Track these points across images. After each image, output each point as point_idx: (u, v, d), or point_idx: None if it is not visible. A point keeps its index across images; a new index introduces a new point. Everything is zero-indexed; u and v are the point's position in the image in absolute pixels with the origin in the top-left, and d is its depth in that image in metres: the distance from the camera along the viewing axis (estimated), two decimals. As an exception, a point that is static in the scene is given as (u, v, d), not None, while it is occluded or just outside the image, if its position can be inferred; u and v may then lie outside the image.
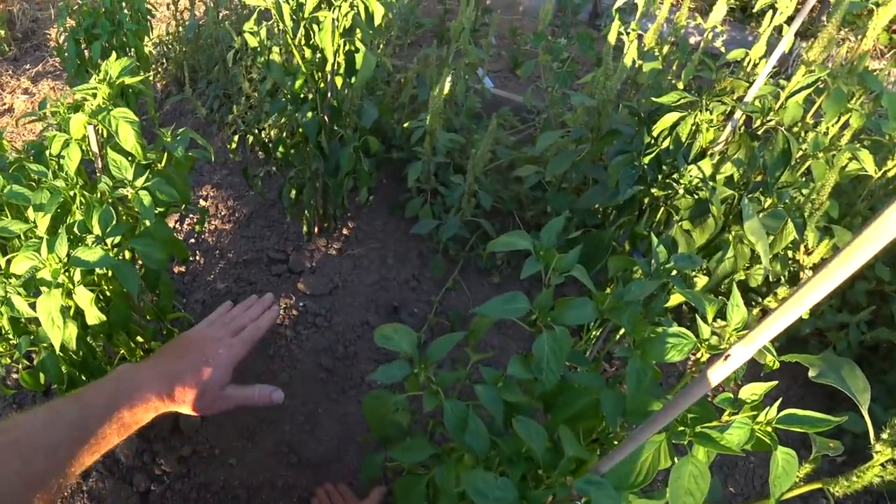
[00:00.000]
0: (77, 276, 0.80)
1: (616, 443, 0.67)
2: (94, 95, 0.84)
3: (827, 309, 1.37)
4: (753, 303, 1.32)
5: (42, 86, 1.99)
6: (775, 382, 0.58)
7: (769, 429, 0.56)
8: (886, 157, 1.36)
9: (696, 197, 1.03)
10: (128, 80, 0.85)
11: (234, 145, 1.56)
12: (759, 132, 1.15)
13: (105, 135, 0.87)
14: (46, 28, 2.24)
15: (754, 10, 1.65)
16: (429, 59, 1.58)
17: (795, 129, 1.29)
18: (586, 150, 1.33)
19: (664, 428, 0.54)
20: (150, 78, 1.90)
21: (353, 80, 1.17)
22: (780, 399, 0.58)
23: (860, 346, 1.34)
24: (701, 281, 1.13)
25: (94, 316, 0.82)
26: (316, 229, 1.50)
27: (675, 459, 0.59)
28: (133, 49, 1.52)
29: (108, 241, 0.80)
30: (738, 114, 1.07)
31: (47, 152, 0.88)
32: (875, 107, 1.35)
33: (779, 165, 1.00)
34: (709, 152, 1.09)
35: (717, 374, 0.37)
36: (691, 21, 2.04)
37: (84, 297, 0.81)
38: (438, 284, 1.46)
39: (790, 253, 1.36)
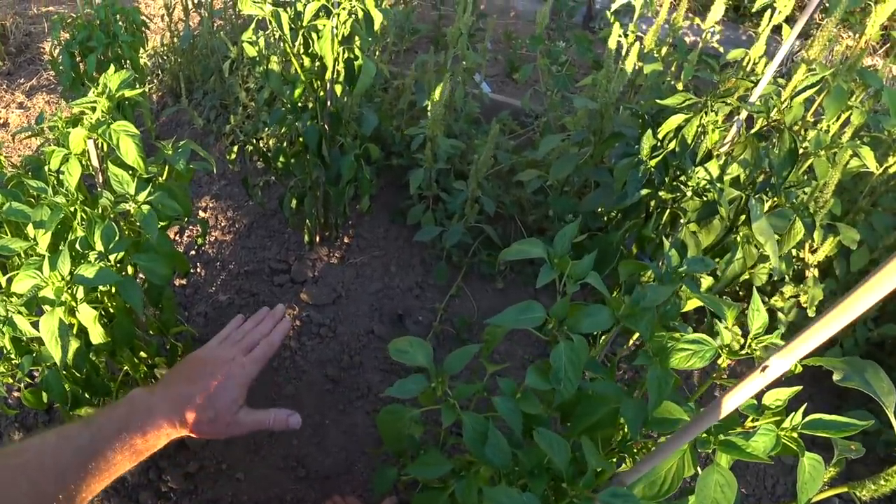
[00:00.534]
0: (80, 294, 0.79)
1: (636, 451, 0.66)
2: (93, 109, 0.83)
3: (828, 307, 1.37)
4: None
5: (37, 100, 1.98)
6: (799, 388, 0.57)
7: (795, 434, 0.55)
8: (887, 153, 1.36)
9: (704, 199, 1.03)
10: (127, 93, 0.84)
11: (233, 156, 1.54)
12: (762, 132, 1.14)
13: (105, 149, 0.86)
14: (40, 42, 2.22)
15: (753, 10, 1.65)
16: (426, 65, 1.57)
17: (796, 128, 1.29)
18: (589, 154, 1.32)
19: (688, 436, 0.53)
20: (146, 90, 1.89)
21: (352, 87, 1.16)
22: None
23: (867, 342, 1.34)
24: (706, 283, 1.12)
25: (98, 334, 0.81)
26: (317, 238, 1.49)
27: (699, 468, 0.58)
28: (129, 61, 1.50)
29: (111, 257, 0.78)
30: (743, 114, 1.06)
31: (46, 168, 0.87)
32: (874, 103, 1.35)
33: (785, 165, 0.99)
34: (715, 153, 1.08)
35: (754, 385, 0.36)
36: (687, 21, 2.04)
37: (88, 315, 0.79)
38: (442, 291, 1.45)
39: (794, 251, 1.35)
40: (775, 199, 1.13)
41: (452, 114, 1.59)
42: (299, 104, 1.20)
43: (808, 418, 0.56)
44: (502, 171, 1.53)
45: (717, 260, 1.16)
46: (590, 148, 1.33)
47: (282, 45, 1.13)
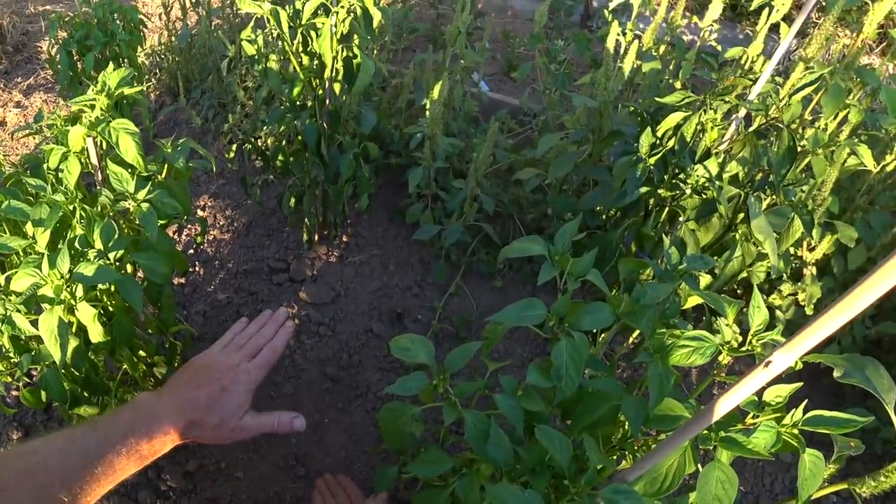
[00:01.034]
0: (79, 293, 0.78)
1: (637, 448, 0.66)
2: (92, 107, 0.82)
3: (830, 304, 1.37)
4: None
5: (34, 98, 1.97)
6: (800, 384, 0.57)
7: (795, 431, 0.56)
8: (884, 151, 1.36)
9: (703, 196, 1.03)
10: (127, 91, 0.84)
11: (231, 154, 1.54)
12: (761, 130, 1.15)
13: (105, 147, 0.86)
14: (37, 40, 2.22)
15: (751, 9, 1.65)
16: (425, 63, 1.57)
17: (794, 126, 1.30)
18: (588, 152, 1.32)
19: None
20: (144, 88, 1.88)
21: (351, 86, 1.16)
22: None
23: (864, 340, 1.34)
24: (704, 281, 1.12)
25: (97, 332, 0.81)
26: (316, 237, 1.49)
27: (699, 464, 0.58)
28: (127, 60, 1.50)
29: (111, 255, 0.78)
30: (741, 112, 1.07)
31: (45, 166, 0.87)
32: (871, 102, 1.35)
33: (784, 163, 1.00)
34: (713, 151, 1.09)
35: (757, 381, 0.37)
36: (685, 20, 2.05)
37: (87, 314, 0.79)
38: (441, 290, 1.45)
39: (792, 249, 1.36)
40: (774, 196, 1.13)
41: (451, 112, 1.58)
42: (298, 103, 1.20)
43: (808, 415, 0.56)
44: (501, 169, 1.53)
45: (715, 258, 1.16)
46: (588, 146, 1.33)
47: (280, 43, 1.13)
